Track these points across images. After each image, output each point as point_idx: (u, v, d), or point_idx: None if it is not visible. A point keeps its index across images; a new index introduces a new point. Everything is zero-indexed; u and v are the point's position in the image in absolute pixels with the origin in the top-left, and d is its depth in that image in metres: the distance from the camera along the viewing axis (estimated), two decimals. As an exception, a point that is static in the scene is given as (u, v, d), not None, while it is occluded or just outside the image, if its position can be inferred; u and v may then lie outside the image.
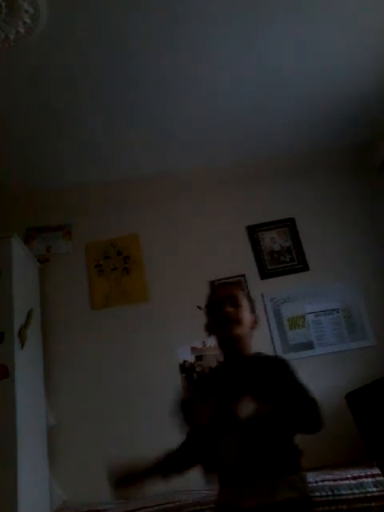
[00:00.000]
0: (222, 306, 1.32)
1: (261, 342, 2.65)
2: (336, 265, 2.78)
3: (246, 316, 1.33)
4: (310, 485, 1.71)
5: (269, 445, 1.19)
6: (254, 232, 2.90)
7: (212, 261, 2.78)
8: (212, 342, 2.61)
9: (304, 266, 2.80)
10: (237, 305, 1.32)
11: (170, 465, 1.33)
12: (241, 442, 1.16)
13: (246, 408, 1.10)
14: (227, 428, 1.15)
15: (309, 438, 2.40)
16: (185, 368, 2.56)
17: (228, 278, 2.76)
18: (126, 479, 1.34)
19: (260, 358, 1.34)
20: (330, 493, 1.67)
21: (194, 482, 1.63)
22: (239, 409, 1.10)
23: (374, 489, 1.66)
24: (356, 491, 1.66)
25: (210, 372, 1.43)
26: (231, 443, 1.17)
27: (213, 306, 1.37)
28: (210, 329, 1.38)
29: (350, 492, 1.66)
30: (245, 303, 1.35)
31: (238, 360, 1.31)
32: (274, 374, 1.25)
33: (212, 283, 1.54)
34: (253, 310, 1.38)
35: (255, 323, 1.38)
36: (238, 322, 1.30)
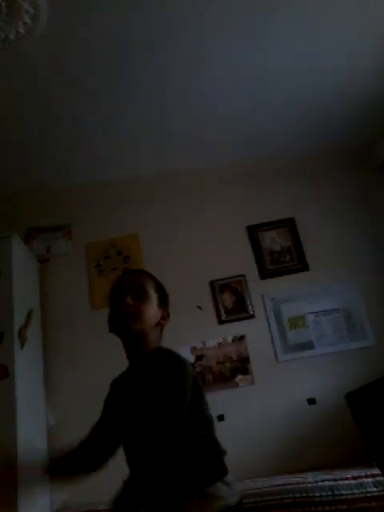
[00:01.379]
0: (121, 297, 1.16)
1: (261, 342, 2.68)
2: (336, 265, 2.78)
3: (150, 310, 1.17)
4: (310, 485, 1.72)
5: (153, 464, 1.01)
6: (254, 232, 2.90)
7: (212, 261, 2.78)
8: (213, 342, 2.62)
9: (304, 266, 2.80)
10: (141, 297, 1.16)
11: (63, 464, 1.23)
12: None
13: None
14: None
15: (308, 438, 2.41)
16: (185, 368, 2.56)
17: (228, 278, 2.76)
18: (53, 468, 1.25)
19: (155, 354, 1.15)
20: (329, 493, 1.67)
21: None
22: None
23: (374, 489, 1.66)
24: (356, 491, 1.66)
25: (121, 375, 1.29)
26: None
27: (114, 297, 1.22)
28: (109, 323, 1.24)
29: (349, 492, 1.67)
30: (152, 295, 1.19)
31: (137, 359, 1.18)
32: (158, 378, 1.05)
33: (122, 273, 1.33)
34: (163, 304, 1.23)
35: (164, 319, 1.22)
36: (137, 316, 1.14)
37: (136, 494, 1.02)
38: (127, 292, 1.17)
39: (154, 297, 1.20)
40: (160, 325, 1.21)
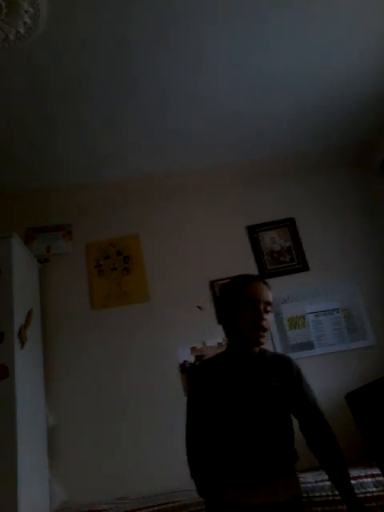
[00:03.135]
0: (257, 309, 1.27)
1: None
2: (336, 265, 2.78)
3: (272, 325, 1.35)
4: (310, 485, 1.72)
5: (277, 446, 1.23)
6: (254, 232, 2.90)
7: (212, 261, 2.78)
8: (213, 342, 2.61)
9: (304, 266, 2.81)
10: (267, 311, 1.29)
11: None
12: (251, 440, 1.21)
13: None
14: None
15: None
16: (185, 368, 2.56)
17: (228, 278, 2.76)
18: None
19: (269, 356, 1.35)
20: (330, 493, 1.67)
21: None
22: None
23: (374, 489, 1.66)
24: (356, 491, 1.66)
25: (213, 362, 1.37)
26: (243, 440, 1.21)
27: (244, 300, 1.30)
28: (226, 320, 1.34)
29: (349, 492, 1.66)
30: (273, 310, 1.35)
31: (248, 356, 1.31)
32: (289, 378, 1.31)
33: (244, 277, 1.39)
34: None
35: None
36: (268, 331, 1.29)
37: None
38: (262, 303, 1.29)
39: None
40: None
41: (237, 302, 1.31)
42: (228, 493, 1.22)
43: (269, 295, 1.32)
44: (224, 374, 1.30)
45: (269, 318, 1.29)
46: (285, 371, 1.30)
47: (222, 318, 1.36)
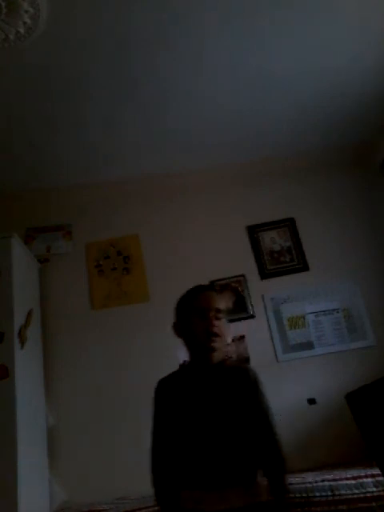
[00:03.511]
0: (206, 316, 1.32)
1: (261, 342, 2.68)
2: (336, 265, 2.78)
3: (226, 328, 1.35)
4: (310, 485, 1.72)
5: (231, 454, 1.22)
6: (254, 232, 2.90)
7: (212, 261, 2.78)
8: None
9: (304, 266, 2.80)
10: (218, 318, 1.33)
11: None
12: (204, 448, 1.22)
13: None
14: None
15: (308, 438, 2.41)
16: (185, 368, 2.56)
17: (228, 278, 2.76)
18: None
19: (229, 367, 1.36)
20: (329, 493, 1.67)
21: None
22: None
23: (374, 489, 1.66)
24: (356, 491, 1.66)
25: (175, 375, 1.41)
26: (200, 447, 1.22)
27: (194, 311, 1.35)
28: (181, 332, 1.38)
29: (349, 492, 1.66)
30: (225, 315, 1.37)
31: (207, 367, 1.32)
32: (244, 388, 1.29)
33: (194, 289, 1.47)
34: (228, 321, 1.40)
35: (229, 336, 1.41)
36: (220, 336, 1.31)
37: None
38: (210, 311, 1.32)
39: (225, 316, 1.36)
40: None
41: (189, 314, 1.36)
42: (181, 499, 1.24)
43: (218, 302, 1.37)
44: (184, 385, 1.34)
45: (221, 324, 1.32)
46: (241, 380, 1.31)
47: (179, 332, 1.39)
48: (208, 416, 1.24)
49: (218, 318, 1.33)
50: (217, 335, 1.30)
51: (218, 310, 1.34)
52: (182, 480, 1.25)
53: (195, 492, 1.21)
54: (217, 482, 1.20)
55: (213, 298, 1.39)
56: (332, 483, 1.70)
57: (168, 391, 1.35)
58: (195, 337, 1.32)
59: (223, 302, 1.39)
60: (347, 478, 1.73)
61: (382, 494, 1.64)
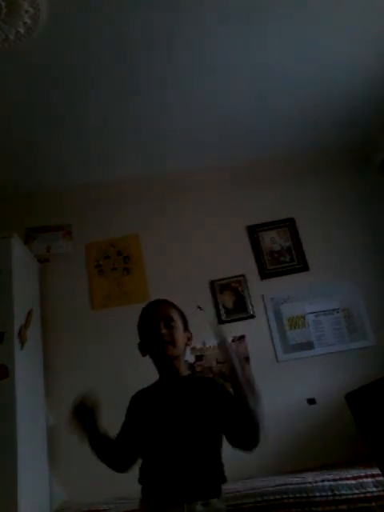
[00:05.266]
0: (156, 326, 1.34)
1: (261, 342, 2.68)
2: (336, 265, 2.78)
3: (180, 336, 1.36)
4: (310, 485, 1.72)
5: (194, 469, 1.21)
6: (254, 232, 2.90)
7: (212, 261, 2.78)
8: (213, 342, 2.61)
9: (304, 266, 2.80)
10: (170, 326, 1.35)
11: (102, 446, 1.39)
12: (165, 462, 1.23)
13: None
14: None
15: (308, 438, 2.40)
16: (185, 368, 2.56)
17: (228, 278, 2.76)
18: (79, 412, 1.40)
19: (196, 378, 1.45)
20: (329, 493, 1.67)
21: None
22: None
23: (374, 489, 1.66)
24: (356, 491, 1.66)
25: (148, 389, 1.44)
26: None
27: (146, 326, 1.40)
28: (144, 349, 1.41)
29: (349, 492, 1.66)
30: (179, 323, 1.38)
31: (175, 380, 1.35)
32: (212, 393, 1.29)
33: (151, 304, 1.50)
34: (186, 328, 1.43)
35: (189, 340, 1.43)
36: (172, 343, 1.33)
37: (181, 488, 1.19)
38: (159, 321, 1.36)
39: (180, 324, 1.40)
40: (187, 345, 1.42)
41: (144, 329, 1.41)
42: (139, 507, 1.30)
43: (168, 311, 1.40)
44: (153, 398, 1.36)
45: (173, 332, 1.34)
46: (209, 389, 1.31)
47: (142, 350, 1.43)
48: (173, 427, 1.25)
49: (168, 327, 1.35)
50: (167, 342, 1.32)
51: (169, 319, 1.37)
52: (144, 493, 1.28)
53: (155, 507, 1.21)
54: (176, 496, 1.19)
55: (162, 308, 1.43)
56: (332, 483, 1.70)
57: (139, 404, 1.40)
58: (153, 347, 1.36)
59: (176, 312, 1.42)
60: (347, 478, 1.73)
61: (382, 493, 1.64)
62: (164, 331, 1.33)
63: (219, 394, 1.29)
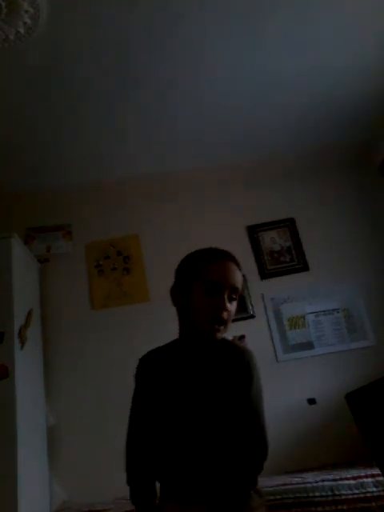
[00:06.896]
0: (219, 297, 1.03)
1: (261, 342, 2.68)
2: (336, 265, 2.78)
3: (233, 316, 1.07)
4: (310, 485, 1.72)
5: (215, 461, 1.00)
6: (254, 232, 2.90)
7: (212, 261, 2.78)
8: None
9: (304, 266, 2.81)
10: (232, 299, 1.06)
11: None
12: (185, 452, 1.02)
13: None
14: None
15: (308, 438, 2.41)
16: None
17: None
18: None
19: (229, 346, 1.09)
20: (329, 493, 1.67)
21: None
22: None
23: (374, 489, 1.66)
24: (356, 491, 1.66)
25: (162, 349, 1.18)
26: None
27: (208, 282, 1.05)
28: (179, 299, 1.10)
29: (350, 492, 1.66)
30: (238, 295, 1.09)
31: (198, 346, 1.09)
32: (234, 375, 1.03)
33: (210, 251, 1.18)
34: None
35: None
36: (226, 324, 1.05)
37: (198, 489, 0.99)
38: (227, 290, 1.04)
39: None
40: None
41: (198, 282, 1.06)
42: (157, 507, 1.07)
43: (238, 279, 1.07)
44: (169, 367, 1.10)
45: (232, 309, 1.04)
46: (231, 367, 1.03)
47: (177, 300, 1.10)
48: (194, 412, 1.02)
49: (232, 299, 1.05)
50: (224, 323, 1.03)
51: (235, 290, 1.05)
52: (162, 488, 1.08)
53: (175, 503, 1.02)
54: (196, 492, 1.00)
55: (233, 272, 1.08)
56: (332, 483, 1.70)
57: (154, 372, 1.14)
58: (196, 314, 1.05)
59: (241, 280, 1.10)
60: (347, 478, 1.73)
61: (382, 493, 1.64)
62: (228, 307, 1.02)
63: (241, 376, 1.02)
